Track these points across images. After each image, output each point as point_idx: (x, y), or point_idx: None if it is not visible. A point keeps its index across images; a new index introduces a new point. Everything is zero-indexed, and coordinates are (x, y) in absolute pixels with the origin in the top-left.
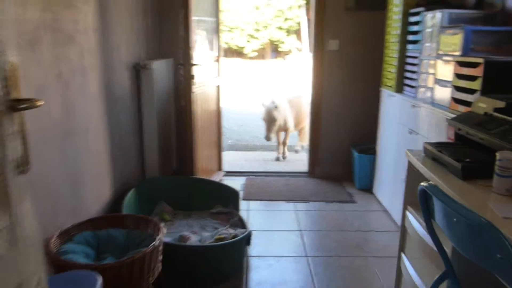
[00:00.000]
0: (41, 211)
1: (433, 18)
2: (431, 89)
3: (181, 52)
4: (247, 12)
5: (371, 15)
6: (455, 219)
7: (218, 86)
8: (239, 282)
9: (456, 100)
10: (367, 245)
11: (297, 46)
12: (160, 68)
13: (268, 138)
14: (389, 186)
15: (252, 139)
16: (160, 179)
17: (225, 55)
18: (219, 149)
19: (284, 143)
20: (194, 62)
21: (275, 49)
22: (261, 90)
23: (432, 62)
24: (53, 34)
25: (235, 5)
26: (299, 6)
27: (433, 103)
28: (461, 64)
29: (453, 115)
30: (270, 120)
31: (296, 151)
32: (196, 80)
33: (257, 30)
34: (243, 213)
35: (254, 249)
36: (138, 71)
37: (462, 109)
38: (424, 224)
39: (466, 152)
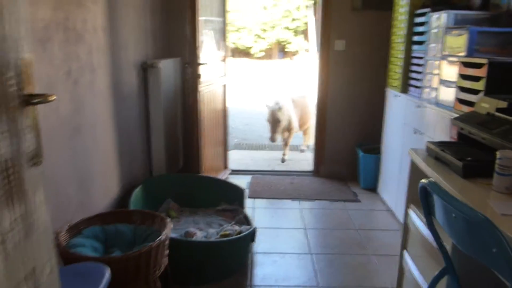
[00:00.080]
0: (50, 205)
1: (439, 19)
2: (436, 89)
3: (188, 52)
4: (254, 13)
5: (377, 15)
6: (454, 215)
7: (224, 85)
8: (244, 277)
9: (460, 101)
10: (370, 243)
11: (304, 46)
12: (167, 67)
13: (273, 139)
14: (394, 186)
15: (258, 138)
16: (167, 177)
17: (232, 55)
18: (225, 147)
19: (286, 144)
20: (200, 61)
21: (282, 50)
22: (267, 90)
23: (437, 62)
24: (64, 32)
25: (243, 5)
26: (307, 7)
27: (438, 103)
28: (466, 64)
29: (457, 115)
30: (274, 121)
31: (302, 151)
32: (202, 79)
33: (264, 30)
34: (248, 211)
35: (259, 245)
36: (145, 69)
37: (466, 109)
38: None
39: (468, 151)
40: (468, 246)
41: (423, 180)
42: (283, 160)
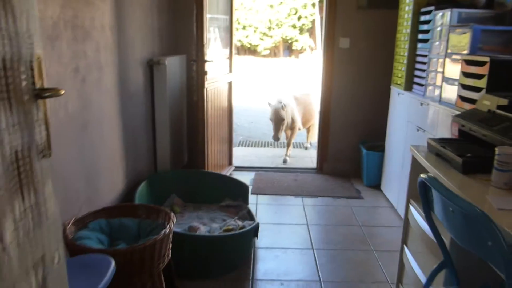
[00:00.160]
0: (59, 199)
1: (443, 17)
2: (439, 87)
3: (194, 49)
4: (261, 10)
5: (382, 13)
6: (451, 210)
7: (230, 83)
8: (246, 272)
9: (462, 98)
10: (372, 240)
11: (310, 44)
12: (173, 64)
13: (276, 138)
14: (397, 183)
15: (262, 136)
16: (171, 172)
17: (239, 53)
18: (230, 144)
19: (288, 144)
20: (206, 58)
21: (288, 48)
22: (272, 88)
23: (440, 60)
24: (72, 30)
25: (249, 3)
26: (313, 5)
27: (441, 101)
28: (468, 62)
29: (459, 113)
30: (277, 120)
31: (306, 148)
32: (208, 76)
33: (271, 28)
34: (251, 207)
35: (261, 241)
36: (151, 66)
37: (468, 107)
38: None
39: (468, 147)
40: (465, 239)
41: (422, 175)
42: (285, 161)
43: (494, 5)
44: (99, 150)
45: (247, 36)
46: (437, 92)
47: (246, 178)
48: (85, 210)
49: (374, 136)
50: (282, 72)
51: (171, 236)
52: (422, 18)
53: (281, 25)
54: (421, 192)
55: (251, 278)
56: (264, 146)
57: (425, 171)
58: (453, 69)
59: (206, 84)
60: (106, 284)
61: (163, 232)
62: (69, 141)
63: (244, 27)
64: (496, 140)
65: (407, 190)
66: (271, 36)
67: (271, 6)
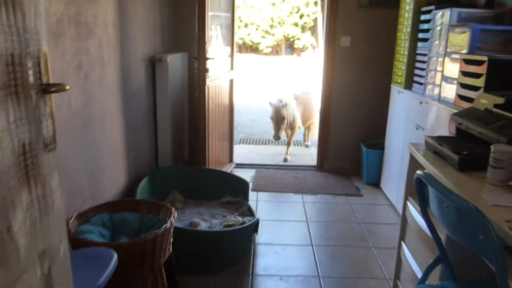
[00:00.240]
0: (64, 194)
1: (443, 16)
2: (439, 86)
3: (196, 46)
4: (263, 8)
5: (383, 12)
6: (446, 205)
7: (231, 80)
8: (246, 267)
9: (461, 97)
10: (371, 237)
11: (312, 43)
12: (175, 61)
13: (277, 137)
14: (396, 181)
15: (263, 133)
16: (173, 169)
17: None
18: (231, 141)
19: (288, 143)
20: (208, 56)
21: (290, 46)
22: (274, 86)
23: (440, 59)
24: (76, 27)
25: (252, 1)
26: (316, 3)
27: (440, 100)
28: (467, 62)
29: (456, 111)
30: (278, 119)
31: (307, 146)
32: (210, 73)
33: (273, 26)
34: (252, 204)
35: (261, 237)
36: (153, 64)
37: (466, 105)
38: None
39: (465, 145)
40: (459, 234)
41: (418, 172)
42: (285, 160)
43: (494, 4)
44: (101, 146)
45: (249, 34)
46: (436, 90)
47: (246, 175)
48: (88, 204)
49: (374, 134)
50: (283, 70)
51: (172, 230)
52: (423, 17)
53: (283, 23)
54: (417, 188)
55: (250, 273)
56: (265, 144)
57: (422, 168)
58: (452, 68)
59: (208, 82)
60: (108, 277)
61: (164, 226)
62: (72, 137)
63: (246, 25)
64: (492, 138)
65: (405, 187)
66: (273, 34)
67: (273, 4)
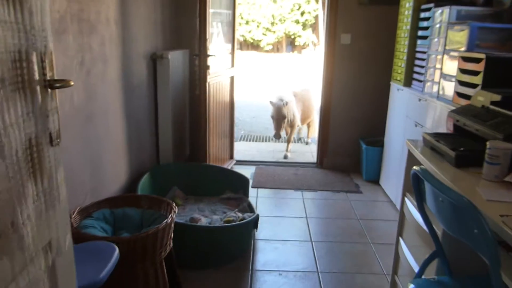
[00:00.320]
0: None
1: (442, 14)
2: (438, 83)
3: (197, 43)
4: (264, 6)
5: (384, 10)
6: (441, 199)
7: (232, 77)
8: (246, 262)
9: (459, 94)
10: (370, 233)
11: (313, 40)
12: (176, 58)
13: (278, 136)
14: (395, 178)
15: (264, 130)
16: (173, 165)
17: (241, 48)
18: (231, 138)
19: (288, 140)
20: (209, 53)
21: (291, 43)
22: (274, 84)
23: (439, 57)
24: (78, 24)
25: None
26: (317, 0)
27: (439, 97)
28: (465, 59)
29: (454, 108)
30: (279, 117)
31: (307, 143)
32: (210, 70)
33: (274, 23)
34: (252, 200)
35: (261, 233)
36: (154, 60)
37: (464, 102)
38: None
39: (462, 142)
40: (454, 228)
41: (415, 167)
42: (285, 157)
43: (493, 3)
44: (103, 142)
45: (250, 31)
46: (435, 88)
47: (247, 172)
48: (90, 200)
49: (374, 132)
50: (284, 67)
51: (172, 225)
52: (422, 15)
53: (284, 20)
54: (414, 184)
55: (250, 268)
56: (265, 141)
57: (420, 165)
58: (451, 66)
59: (209, 79)
60: (110, 270)
61: (165, 221)
62: (75, 133)
63: (247, 22)
64: (488, 134)
65: (402, 184)
66: (274, 32)
67: (274, 1)
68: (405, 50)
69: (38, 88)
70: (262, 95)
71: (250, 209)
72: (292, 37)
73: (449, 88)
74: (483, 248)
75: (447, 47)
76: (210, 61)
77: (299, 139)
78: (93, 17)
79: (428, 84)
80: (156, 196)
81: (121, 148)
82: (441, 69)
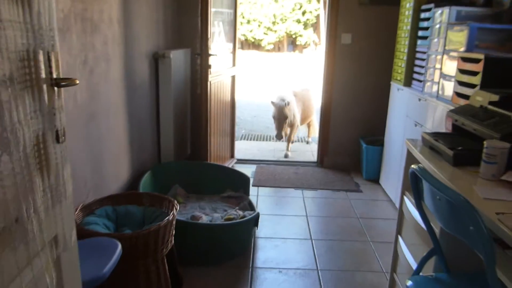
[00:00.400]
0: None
1: (442, 14)
2: (437, 83)
3: (199, 42)
4: (266, 5)
5: (384, 10)
6: (438, 197)
7: (233, 76)
8: (246, 260)
9: (458, 94)
10: (369, 231)
11: (314, 39)
12: (177, 57)
13: (279, 136)
14: (395, 177)
15: (265, 130)
16: (175, 164)
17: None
18: (232, 137)
19: (288, 140)
20: (211, 52)
21: (292, 42)
22: (276, 83)
23: (439, 57)
24: (82, 23)
25: None
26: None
27: (438, 97)
28: (464, 59)
29: (453, 108)
30: (281, 117)
31: (308, 142)
32: (212, 69)
33: (275, 23)
34: (252, 198)
35: (261, 231)
36: (156, 59)
37: (463, 102)
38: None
39: (460, 141)
40: (451, 225)
41: (413, 166)
42: (286, 156)
43: (492, 3)
44: (105, 140)
45: (251, 31)
46: (434, 88)
47: (247, 170)
48: (92, 197)
49: (374, 131)
50: (285, 67)
51: (174, 223)
52: (422, 15)
53: (286, 19)
54: (412, 182)
55: (250, 266)
56: (266, 140)
57: (419, 163)
58: (451, 66)
59: (210, 78)
60: (113, 265)
61: (166, 219)
62: (77, 131)
63: (248, 22)
64: (485, 134)
65: (401, 183)
66: (275, 31)
67: (276, 0)
68: (405, 50)
69: (45, 86)
70: (263, 94)
71: (251, 207)
72: (294, 36)
73: (449, 88)
74: (479, 245)
75: (446, 48)
76: (211, 60)
77: (298, 140)
78: (96, 17)
79: (428, 84)
80: (157, 194)
81: (123, 147)
82: (440, 69)
